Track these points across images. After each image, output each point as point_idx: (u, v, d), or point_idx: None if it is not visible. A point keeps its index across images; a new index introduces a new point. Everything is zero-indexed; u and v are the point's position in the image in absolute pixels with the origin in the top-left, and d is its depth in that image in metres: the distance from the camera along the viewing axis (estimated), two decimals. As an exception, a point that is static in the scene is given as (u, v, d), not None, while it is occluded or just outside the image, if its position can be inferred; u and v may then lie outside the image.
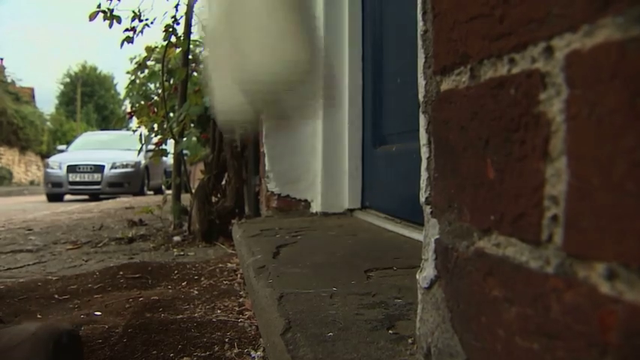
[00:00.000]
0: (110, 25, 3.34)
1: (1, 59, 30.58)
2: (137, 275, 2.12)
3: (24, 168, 25.25)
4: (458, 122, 0.59)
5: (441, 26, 0.63)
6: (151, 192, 12.21)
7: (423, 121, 0.68)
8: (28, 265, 2.56)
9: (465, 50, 0.58)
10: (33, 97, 31.92)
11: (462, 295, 0.58)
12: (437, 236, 0.64)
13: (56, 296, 1.84)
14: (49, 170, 10.96)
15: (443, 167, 0.63)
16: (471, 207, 0.56)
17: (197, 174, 4.42)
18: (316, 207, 2.69)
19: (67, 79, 42.87)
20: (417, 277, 0.69)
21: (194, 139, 3.41)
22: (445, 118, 0.63)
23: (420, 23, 0.69)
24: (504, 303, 0.49)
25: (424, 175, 0.68)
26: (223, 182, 3.31)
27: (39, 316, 1.59)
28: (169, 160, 9.29)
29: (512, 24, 0.49)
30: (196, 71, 5.75)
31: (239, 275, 2.08)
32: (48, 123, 30.71)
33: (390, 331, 0.85)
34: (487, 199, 0.53)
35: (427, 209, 0.67)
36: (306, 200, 2.80)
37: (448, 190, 0.61)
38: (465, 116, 0.58)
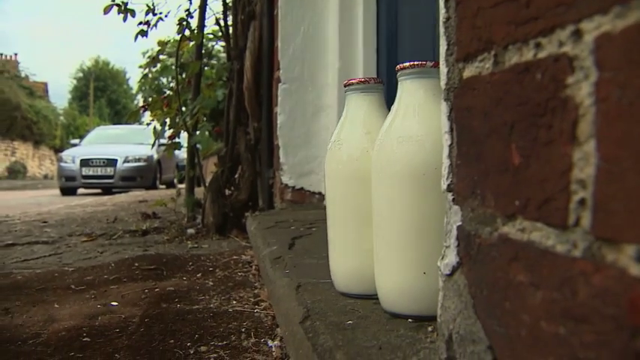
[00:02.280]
0: (124, 19, 3.35)
1: (15, 54, 30.82)
2: (152, 267, 2.14)
3: (38, 162, 25.45)
4: (481, 109, 0.59)
5: (464, 13, 0.63)
6: (163, 186, 12.27)
7: (444, 108, 0.68)
8: (45, 256, 2.59)
9: (489, 36, 0.58)
10: (46, 91, 32.15)
11: (485, 281, 0.58)
12: (459, 223, 0.64)
13: (73, 287, 1.86)
14: (62, 164, 11.03)
15: (466, 154, 0.63)
16: (495, 193, 0.56)
17: (209, 168, 4.43)
18: (330, 200, 2.69)
19: (80, 74, 43.12)
20: (439, 264, 0.69)
21: (206, 133, 3.42)
22: (468, 105, 0.62)
23: (443, 10, 0.69)
24: (529, 288, 0.49)
25: (446, 162, 0.68)
26: (237, 175, 3.32)
27: (56, 306, 1.60)
28: (181, 154, 9.34)
29: (539, 8, 0.49)
30: (208, 65, 5.76)
31: (253, 267, 2.09)
32: (61, 117, 30.90)
33: (410, 320, 0.85)
34: (512, 185, 0.53)
35: (449, 196, 0.67)
36: (320, 193, 2.81)
37: (471, 176, 0.61)
38: (488, 102, 0.58)
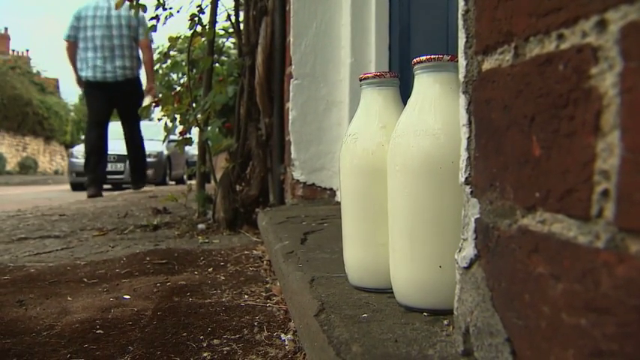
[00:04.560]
0: (136, 14, 3.37)
1: (27, 50, 31.01)
2: (163, 261, 2.14)
3: (48, 158, 25.60)
4: (501, 101, 0.59)
5: (484, 5, 0.63)
6: (173, 182, 12.30)
7: (463, 101, 0.68)
8: (57, 250, 2.61)
9: (509, 28, 0.58)
10: (57, 87, 32.30)
11: (504, 274, 0.58)
12: (477, 215, 0.64)
13: (85, 280, 1.87)
14: (73, 160, 11.06)
15: (484, 147, 0.63)
16: (514, 185, 0.56)
17: (220, 163, 4.44)
18: (341, 196, 2.69)
19: (91, 70, 43.22)
20: (456, 257, 0.69)
21: (216, 129, 3.43)
22: (487, 98, 0.62)
23: (462, 3, 0.68)
24: (550, 280, 0.49)
25: (464, 155, 0.68)
26: (247, 171, 3.32)
27: (69, 299, 1.61)
28: (191, 150, 9.35)
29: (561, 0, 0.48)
30: (219, 62, 5.77)
31: (265, 262, 2.09)
32: (72, 113, 31.03)
33: (425, 313, 0.85)
34: (532, 177, 0.53)
35: (467, 189, 0.67)
36: (331, 189, 2.81)
37: (490, 169, 0.61)
38: (508, 95, 0.58)
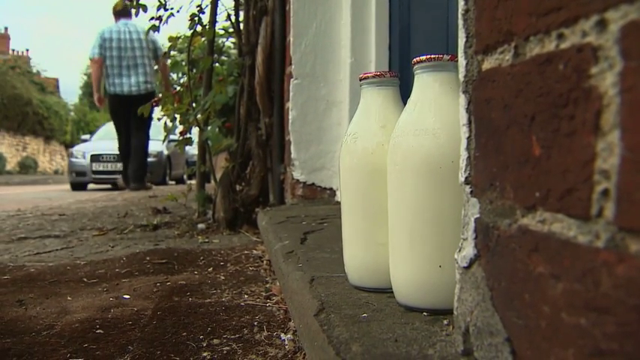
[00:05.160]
0: (136, 14, 3.36)
1: (27, 50, 31.02)
2: (163, 261, 2.15)
3: (48, 157, 25.59)
4: (501, 100, 0.59)
5: (484, 5, 0.63)
6: (173, 182, 12.29)
7: (463, 100, 0.68)
8: (57, 250, 2.61)
9: (509, 28, 0.58)
10: (57, 87, 32.30)
11: (504, 273, 0.58)
12: (477, 215, 0.64)
13: (85, 280, 1.87)
14: (73, 160, 11.07)
15: (484, 146, 0.63)
16: (514, 185, 0.56)
17: (219, 163, 4.44)
18: (341, 196, 2.69)
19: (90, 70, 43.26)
20: (456, 256, 0.69)
21: (216, 129, 3.43)
22: (487, 97, 0.62)
23: (462, 3, 0.68)
24: (550, 279, 0.49)
25: (464, 154, 0.68)
26: (247, 171, 3.32)
27: (69, 299, 1.61)
28: (191, 150, 9.37)
29: (561, -1, 0.48)
30: (219, 62, 5.77)
31: (264, 262, 2.09)
32: (72, 113, 31.03)
33: (425, 313, 0.85)
34: (532, 176, 0.53)
35: (467, 189, 0.67)
36: (331, 188, 2.81)
37: (490, 168, 0.61)
38: (508, 94, 0.58)
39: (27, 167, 22.50)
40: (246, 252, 2.34)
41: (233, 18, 3.58)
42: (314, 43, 2.83)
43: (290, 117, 2.85)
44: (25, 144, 23.38)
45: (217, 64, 5.14)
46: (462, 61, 0.69)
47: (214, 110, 3.49)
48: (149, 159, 11.10)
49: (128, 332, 1.29)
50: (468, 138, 0.67)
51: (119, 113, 6.45)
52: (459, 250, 0.68)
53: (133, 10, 3.28)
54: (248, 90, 3.30)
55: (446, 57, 0.88)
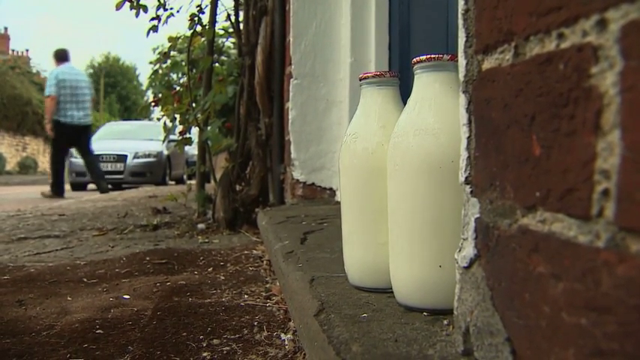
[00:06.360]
0: (137, 15, 3.35)
1: (27, 50, 31.00)
2: (163, 261, 2.15)
3: (48, 157, 25.55)
4: (501, 100, 0.59)
5: (484, 4, 0.63)
6: (173, 182, 12.30)
7: (463, 100, 0.68)
8: (57, 250, 2.61)
9: (509, 28, 0.57)
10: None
11: (504, 273, 0.58)
12: (477, 215, 0.64)
13: (85, 280, 1.87)
14: (73, 160, 11.07)
15: (484, 146, 0.63)
16: (514, 184, 0.56)
17: (219, 163, 4.44)
18: (341, 195, 2.69)
19: (91, 70, 43.24)
20: (456, 256, 0.68)
21: (216, 129, 3.43)
22: (487, 97, 0.62)
23: (462, 2, 0.68)
24: (550, 279, 0.49)
25: (464, 154, 0.68)
26: (247, 171, 3.32)
27: (69, 299, 1.61)
28: (191, 150, 9.39)
29: (561, -1, 0.48)
30: (218, 62, 5.77)
31: (264, 262, 2.09)
32: (71, 113, 30.96)
33: (425, 313, 0.85)
34: (532, 176, 0.53)
35: (467, 189, 0.67)
36: (331, 188, 2.81)
37: (490, 168, 0.61)
38: (508, 94, 0.57)
39: (27, 167, 22.49)
40: (246, 252, 2.34)
41: (233, 18, 3.58)
42: (314, 43, 2.83)
43: (290, 117, 2.85)
44: (24, 144, 23.36)
45: (217, 64, 5.14)
46: (462, 60, 0.69)
47: (214, 110, 3.49)
48: (149, 159, 11.16)
49: (128, 332, 1.29)
50: (468, 138, 0.67)
51: (63, 138, 7.84)
52: (459, 250, 0.68)
53: (134, 11, 3.28)
54: (248, 90, 3.30)
55: (446, 57, 0.88)
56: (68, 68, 7.96)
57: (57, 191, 7.89)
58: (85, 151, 8.44)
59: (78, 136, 8.04)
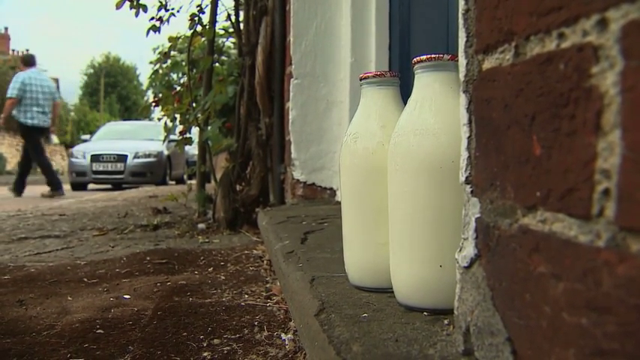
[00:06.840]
0: (136, 14, 3.35)
1: (27, 50, 30.95)
2: (164, 261, 2.15)
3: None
4: (501, 100, 0.59)
5: (484, 4, 0.63)
6: (173, 182, 12.31)
7: (463, 100, 0.68)
8: (57, 250, 2.61)
9: (509, 27, 0.58)
10: (57, 87, 32.23)
11: (505, 273, 0.58)
12: (478, 215, 0.64)
13: (85, 280, 1.87)
14: (73, 160, 11.10)
15: (485, 146, 0.63)
16: (515, 184, 0.56)
17: (220, 163, 4.44)
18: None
19: (91, 70, 43.28)
20: (456, 256, 0.68)
21: (216, 129, 3.43)
22: (487, 97, 0.62)
23: (462, 2, 0.68)
24: (551, 279, 0.49)
25: (464, 154, 0.68)
26: (248, 171, 3.32)
27: (69, 299, 1.61)
28: (191, 150, 9.41)
29: (562, -2, 0.48)
30: (218, 62, 5.77)
31: (265, 262, 2.09)
32: (72, 113, 31.01)
33: (426, 313, 0.85)
34: (533, 176, 0.53)
35: (467, 189, 0.67)
36: (331, 188, 2.81)
37: (490, 168, 0.61)
38: (509, 94, 0.57)
39: (27, 167, 22.44)
40: (246, 252, 2.34)
41: (233, 18, 3.58)
42: (314, 43, 2.83)
43: (290, 117, 2.85)
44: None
45: (217, 64, 5.14)
46: (462, 60, 0.69)
47: (214, 110, 3.49)
48: (149, 159, 11.18)
49: (128, 332, 1.29)
50: (469, 138, 0.67)
51: (32, 136, 8.26)
52: (460, 250, 0.68)
53: (133, 11, 3.28)
54: (248, 90, 3.30)
55: (446, 57, 0.88)
56: (34, 73, 8.59)
57: (55, 187, 8.13)
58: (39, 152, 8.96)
59: (39, 137, 8.63)
